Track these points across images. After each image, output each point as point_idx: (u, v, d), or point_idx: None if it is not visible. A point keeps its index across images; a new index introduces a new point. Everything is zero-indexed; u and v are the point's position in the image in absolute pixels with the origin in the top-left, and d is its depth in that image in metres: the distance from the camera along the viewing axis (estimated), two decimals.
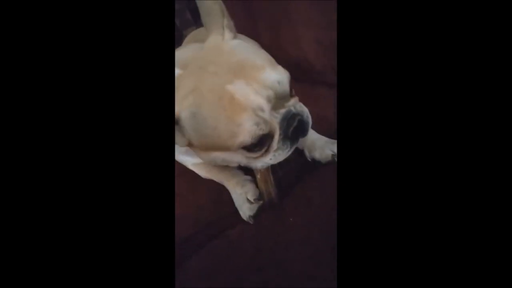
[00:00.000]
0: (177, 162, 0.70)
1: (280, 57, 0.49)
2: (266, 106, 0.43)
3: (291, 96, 0.47)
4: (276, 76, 0.44)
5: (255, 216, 0.54)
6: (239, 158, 0.48)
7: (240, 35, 0.53)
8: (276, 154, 0.48)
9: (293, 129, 0.46)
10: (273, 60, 0.47)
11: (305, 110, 0.49)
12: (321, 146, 0.59)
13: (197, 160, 0.65)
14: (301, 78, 0.79)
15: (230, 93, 0.42)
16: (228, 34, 0.49)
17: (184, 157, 0.64)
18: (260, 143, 0.45)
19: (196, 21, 1.16)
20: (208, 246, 0.54)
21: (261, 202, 0.55)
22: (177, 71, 0.50)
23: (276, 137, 0.46)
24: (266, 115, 0.43)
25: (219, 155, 0.48)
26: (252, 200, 0.55)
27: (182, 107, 0.44)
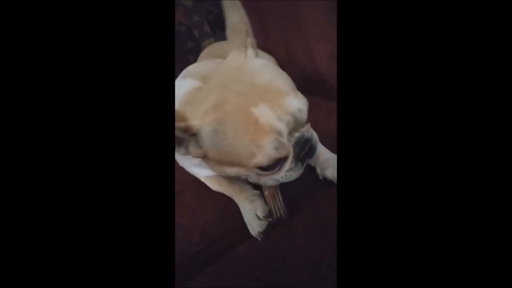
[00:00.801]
0: (188, 174, 0.71)
1: (293, 71, 0.50)
2: (285, 131, 0.45)
3: (306, 122, 0.49)
4: (298, 103, 0.46)
5: (264, 233, 0.53)
6: (251, 174, 0.49)
7: (258, 51, 0.54)
8: (288, 174, 0.49)
9: (305, 153, 0.48)
10: (294, 85, 0.49)
11: (314, 135, 0.51)
12: (334, 165, 0.58)
13: (209, 173, 0.65)
14: (314, 92, 0.78)
15: (255, 116, 0.43)
16: (250, 53, 0.51)
17: (197, 169, 0.64)
18: (275, 165, 0.47)
19: (214, 32, 1.17)
20: (216, 263, 0.53)
21: (270, 219, 0.54)
22: (196, 83, 0.51)
23: (290, 159, 0.47)
24: (284, 139, 0.45)
25: (232, 170, 0.48)
26: (261, 217, 0.54)
27: (204, 122, 0.44)
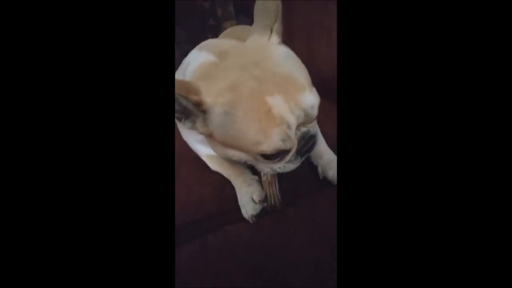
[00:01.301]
0: (186, 150, 0.71)
1: (312, 73, 0.49)
2: (294, 125, 0.45)
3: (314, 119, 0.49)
4: (312, 100, 0.46)
5: (257, 216, 0.54)
6: (252, 159, 0.49)
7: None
8: (286, 166, 0.50)
9: (307, 148, 0.49)
10: (309, 79, 0.48)
11: (318, 132, 0.51)
12: (336, 167, 0.59)
13: (211, 152, 0.65)
14: (329, 97, 0.79)
15: (269, 106, 0.43)
16: (274, 38, 0.49)
17: (200, 146, 0.65)
18: (277, 155, 0.47)
19: (238, 15, 1.16)
20: (204, 238, 0.54)
21: (265, 204, 0.55)
22: (212, 58, 0.50)
23: (292, 152, 0.48)
24: (292, 133, 0.45)
25: (234, 154, 0.48)
26: (256, 201, 0.55)
27: (217, 101, 0.44)
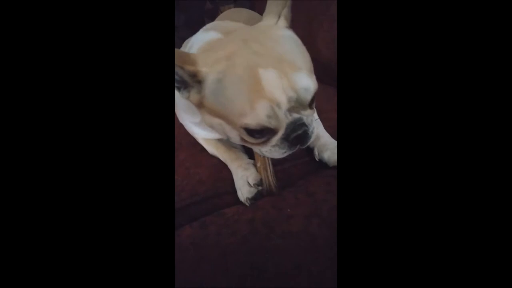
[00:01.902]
0: (184, 135, 0.71)
1: (312, 56, 0.49)
2: (284, 105, 0.44)
3: (310, 107, 0.48)
4: (307, 82, 0.44)
5: (252, 200, 0.55)
6: (236, 135, 0.49)
7: None
8: (272, 150, 0.49)
9: (296, 135, 0.46)
10: (311, 66, 0.48)
11: (313, 125, 0.49)
12: (332, 149, 0.59)
13: (208, 135, 0.65)
14: (326, 81, 0.78)
15: (260, 77, 0.42)
16: (282, 22, 0.50)
17: (197, 129, 0.65)
18: (261, 133, 0.46)
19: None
20: (201, 220, 0.54)
21: (260, 188, 0.56)
22: (219, 35, 0.52)
23: (279, 135, 0.47)
24: (280, 113, 0.44)
25: (220, 123, 0.48)
26: (252, 185, 0.56)
27: (212, 69, 0.44)
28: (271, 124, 0.44)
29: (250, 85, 0.43)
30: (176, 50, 0.44)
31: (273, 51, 0.44)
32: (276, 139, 0.47)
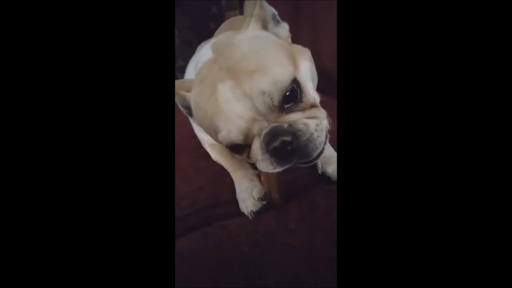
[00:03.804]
0: (185, 139, 0.71)
1: (316, 67, 0.49)
2: (247, 115, 0.39)
3: (290, 110, 0.41)
4: (262, 85, 0.39)
5: (256, 213, 0.53)
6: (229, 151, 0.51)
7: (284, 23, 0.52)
8: (261, 164, 0.44)
9: (274, 148, 0.40)
10: (279, 62, 0.41)
11: (313, 133, 0.42)
12: (336, 163, 0.58)
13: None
14: (329, 92, 0.78)
15: (217, 93, 0.41)
16: (251, 24, 0.46)
17: (203, 134, 0.65)
18: (236, 148, 0.43)
19: (242, 5, 1.16)
20: (203, 230, 0.53)
21: (264, 202, 0.54)
22: (210, 54, 0.49)
23: (254, 148, 0.42)
24: (247, 124, 0.40)
25: (211, 139, 0.52)
26: (255, 198, 0.54)
27: (192, 93, 0.48)
28: (238, 138, 0.41)
29: (211, 102, 0.41)
30: (176, 80, 0.50)
31: (229, 61, 0.42)
32: (255, 152, 0.43)
